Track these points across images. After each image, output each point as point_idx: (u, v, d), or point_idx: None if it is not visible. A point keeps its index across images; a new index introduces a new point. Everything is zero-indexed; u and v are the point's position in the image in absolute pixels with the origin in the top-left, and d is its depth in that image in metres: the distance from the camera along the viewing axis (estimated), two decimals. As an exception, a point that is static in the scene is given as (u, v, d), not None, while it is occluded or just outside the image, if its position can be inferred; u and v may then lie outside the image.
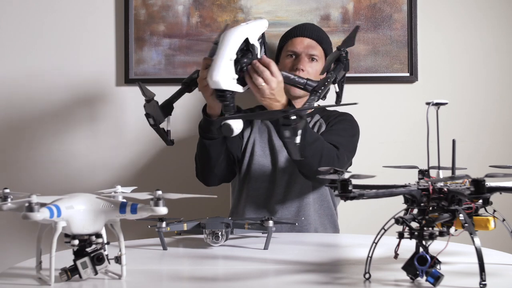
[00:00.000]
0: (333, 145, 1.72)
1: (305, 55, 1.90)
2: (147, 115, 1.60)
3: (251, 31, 1.50)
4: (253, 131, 1.93)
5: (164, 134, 1.62)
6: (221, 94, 1.46)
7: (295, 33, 1.95)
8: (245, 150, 1.91)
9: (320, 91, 1.50)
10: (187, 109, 2.17)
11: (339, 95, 1.65)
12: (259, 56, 1.54)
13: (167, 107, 1.62)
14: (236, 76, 1.46)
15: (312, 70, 1.90)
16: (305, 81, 1.53)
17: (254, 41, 1.52)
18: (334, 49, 1.69)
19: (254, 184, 1.88)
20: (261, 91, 1.53)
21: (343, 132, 1.84)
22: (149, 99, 1.60)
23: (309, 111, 1.87)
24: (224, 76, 1.42)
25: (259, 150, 1.90)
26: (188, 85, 1.67)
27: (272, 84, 1.53)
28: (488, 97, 2.20)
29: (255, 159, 1.89)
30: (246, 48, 1.50)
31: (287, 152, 1.50)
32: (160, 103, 1.63)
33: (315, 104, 1.54)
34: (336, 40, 2.06)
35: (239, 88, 1.49)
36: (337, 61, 1.62)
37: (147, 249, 1.42)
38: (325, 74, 1.60)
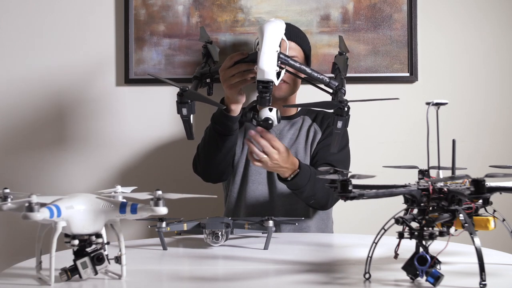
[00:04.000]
0: (332, 165, 1.74)
1: None
2: (182, 105, 1.51)
3: (283, 28, 1.53)
4: (248, 131, 1.91)
5: (190, 127, 1.57)
6: (266, 85, 1.46)
7: None
8: (241, 153, 1.89)
9: (344, 88, 1.54)
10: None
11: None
12: (287, 53, 1.56)
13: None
14: (278, 69, 1.47)
15: (291, 71, 1.86)
16: (328, 80, 1.55)
17: (284, 38, 1.54)
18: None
19: (251, 186, 1.86)
20: (263, 163, 1.58)
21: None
22: (185, 88, 1.51)
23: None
24: (273, 67, 1.43)
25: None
26: (200, 79, 1.65)
27: (274, 156, 1.57)
28: (488, 97, 2.20)
29: (251, 163, 1.87)
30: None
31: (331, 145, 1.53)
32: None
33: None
34: (336, 40, 2.06)
35: (276, 81, 1.49)
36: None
37: (147, 249, 1.42)
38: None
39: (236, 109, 1.69)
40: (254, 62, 1.53)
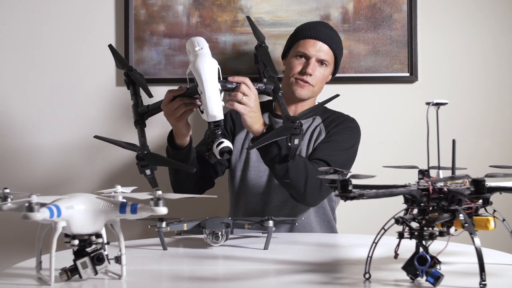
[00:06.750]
0: (325, 161, 1.72)
1: (316, 59, 1.85)
2: (146, 167, 1.51)
3: (209, 52, 1.50)
4: (248, 134, 1.89)
5: (154, 179, 1.56)
6: (218, 124, 1.46)
7: (309, 35, 1.87)
8: (240, 154, 1.89)
9: (281, 91, 1.62)
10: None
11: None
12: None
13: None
14: (223, 103, 1.47)
15: (319, 74, 1.86)
16: (264, 86, 1.61)
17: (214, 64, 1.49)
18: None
19: (251, 190, 1.86)
20: (244, 104, 1.54)
21: (340, 144, 1.81)
22: (143, 151, 1.50)
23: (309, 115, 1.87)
24: (220, 107, 1.43)
25: (254, 156, 1.86)
26: (142, 122, 1.61)
27: (252, 96, 1.55)
28: (488, 97, 2.20)
29: (250, 165, 1.87)
30: None
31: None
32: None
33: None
34: (336, 40, 2.06)
35: (223, 103, 1.48)
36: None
37: (147, 249, 1.43)
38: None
39: (183, 142, 1.68)
40: (193, 95, 1.52)
